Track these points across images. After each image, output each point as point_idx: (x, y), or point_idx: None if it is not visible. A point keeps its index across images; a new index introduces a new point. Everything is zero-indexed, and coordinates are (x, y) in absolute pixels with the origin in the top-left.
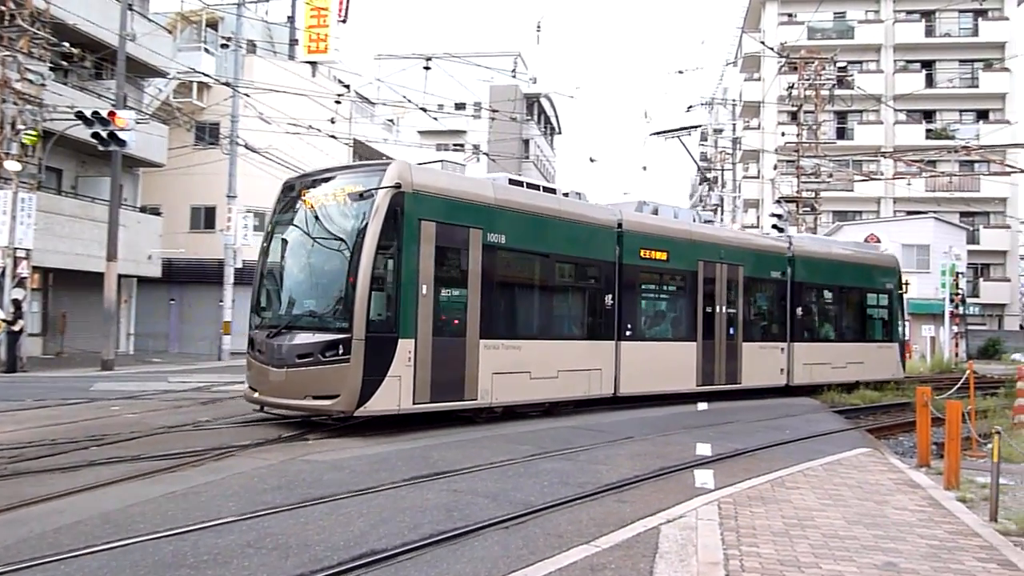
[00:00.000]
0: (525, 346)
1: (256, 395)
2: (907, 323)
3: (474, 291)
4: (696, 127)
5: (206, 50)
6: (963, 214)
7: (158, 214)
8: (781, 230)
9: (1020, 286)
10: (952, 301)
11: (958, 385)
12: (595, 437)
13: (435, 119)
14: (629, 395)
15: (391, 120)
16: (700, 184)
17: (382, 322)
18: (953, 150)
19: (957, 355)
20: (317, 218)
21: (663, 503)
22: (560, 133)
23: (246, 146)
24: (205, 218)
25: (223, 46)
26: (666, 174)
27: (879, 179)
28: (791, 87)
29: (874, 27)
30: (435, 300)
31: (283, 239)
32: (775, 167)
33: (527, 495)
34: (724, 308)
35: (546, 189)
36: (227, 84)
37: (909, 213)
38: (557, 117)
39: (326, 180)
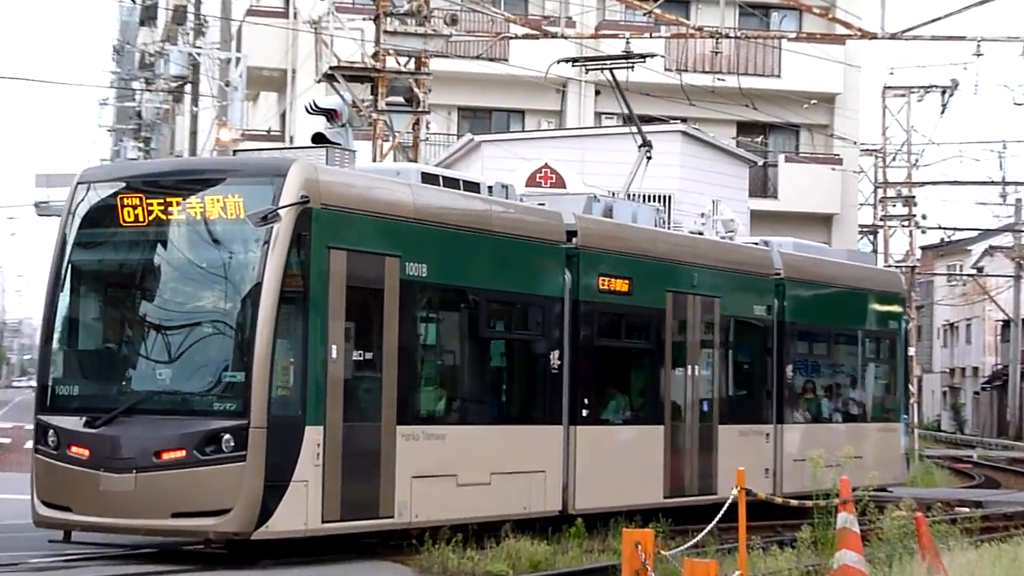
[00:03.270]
0: (450, 435)
1: (69, 516)
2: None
3: (389, 352)
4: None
5: None
6: (743, 128)
7: None
8: (334, 145)
9: None
10: None
11: (719, 517)
12: None
13: None
14: (586, 511)
15: None
16: (142, 25)
17: (285, 401)
18: None
19: None
20: (178, 244)
21: None
22: None
23: None
24: None
25: None
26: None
27: (568, 39)
28: None
29: None
30: (345, 368)
31: (105, 272)
32: None
33: None
34: (697, 370)
35: (466, 185)
36: None
37: (628, 120)
38: None
39: (187, 184)
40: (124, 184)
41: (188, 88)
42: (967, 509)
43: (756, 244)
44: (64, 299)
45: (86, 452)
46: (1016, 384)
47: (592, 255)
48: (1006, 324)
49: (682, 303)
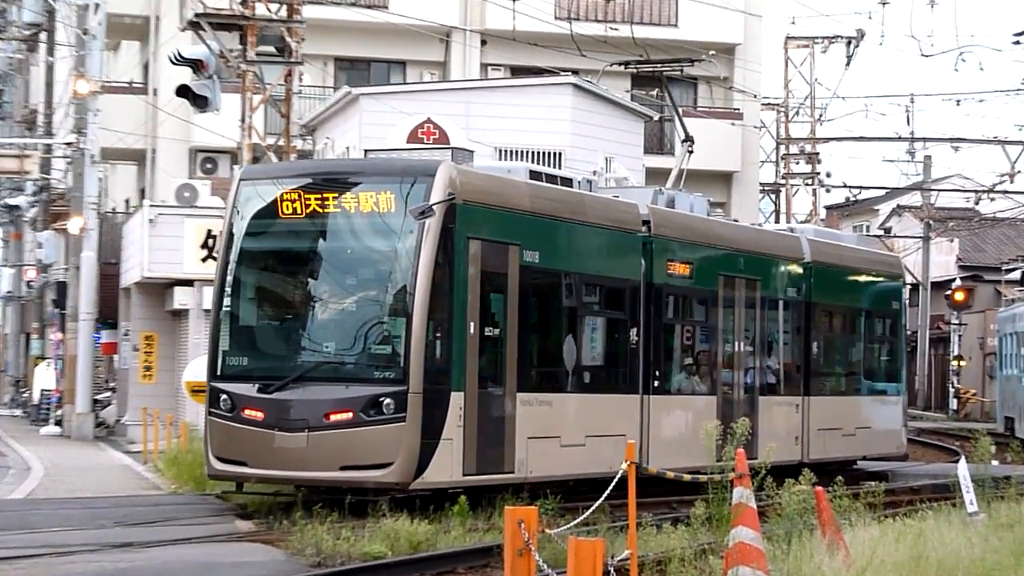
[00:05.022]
0: (556, 401)
1: (244, 469)
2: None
3: (511, 328)
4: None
5: None
6: (638, 80)
7: None
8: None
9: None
10: None
11: (607, 492)
12: None
13: None
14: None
15: None
16: None
17: (436, 371)
18: None
19: None
20: (336, 233)
21: None
22: None
23: None
24: None
25: None
26: None
27: None
28: None
29: None
30: (480, 342)
31: (271, 257)
32: None
33: None
34: (742, 345)
35: (562, 180)
36: None
37: (516, 72)
38: None
39: (344, 182)
40: (284, 182)
41: (43, 36)
42: (871, 482)
43: (783, 231)
44: (233, 283)
45: (261, 414)
46: (925, 351)
47: (663, 242)
48: (915, 287)
49: (731, 285)
